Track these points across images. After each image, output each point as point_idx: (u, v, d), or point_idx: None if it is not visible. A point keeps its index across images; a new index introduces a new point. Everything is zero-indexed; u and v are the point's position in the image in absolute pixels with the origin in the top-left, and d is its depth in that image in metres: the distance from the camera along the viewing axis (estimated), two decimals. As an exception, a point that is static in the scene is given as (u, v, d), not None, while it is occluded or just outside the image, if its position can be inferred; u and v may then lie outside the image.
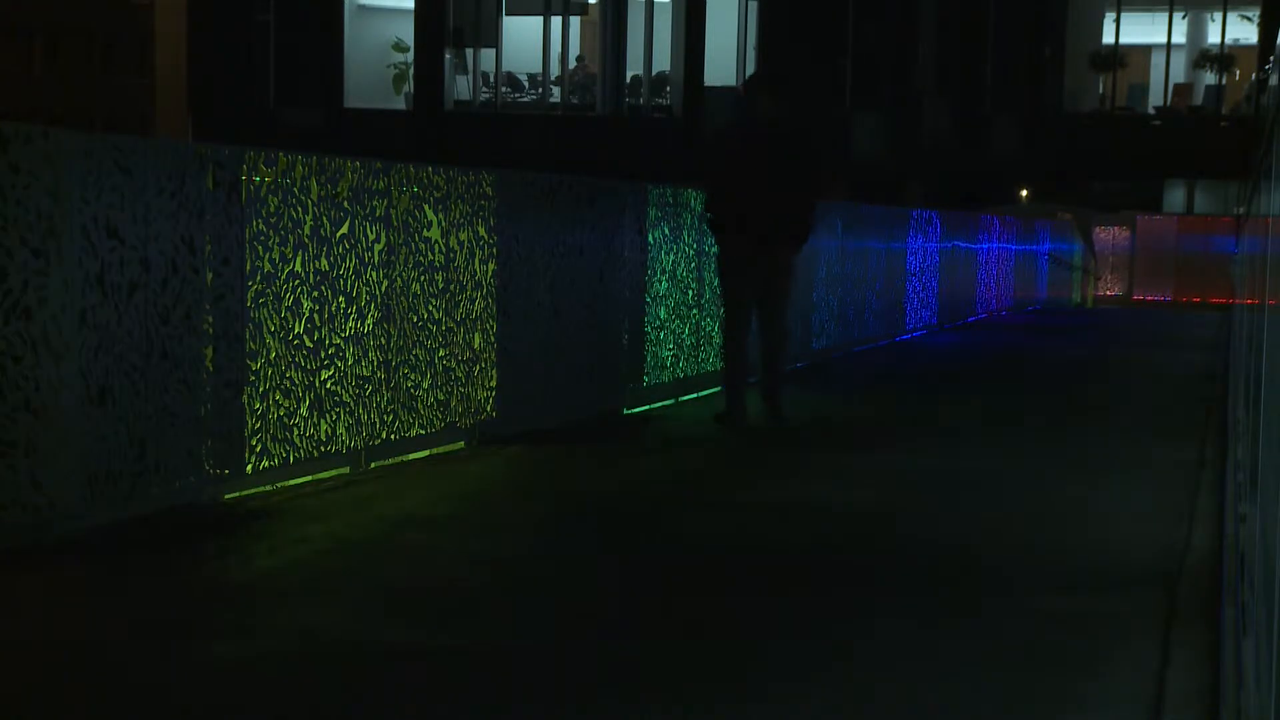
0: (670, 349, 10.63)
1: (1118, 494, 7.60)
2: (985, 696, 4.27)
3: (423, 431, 7.87)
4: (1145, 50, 36.40)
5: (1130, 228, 33.96)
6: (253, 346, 6.60)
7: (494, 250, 8.43)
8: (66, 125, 5.80)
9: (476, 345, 8.31)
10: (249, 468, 6.62)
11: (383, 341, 7.49)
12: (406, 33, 36.03)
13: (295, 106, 35.65)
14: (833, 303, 14.41)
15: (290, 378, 6.83)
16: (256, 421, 6.64)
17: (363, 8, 36.70)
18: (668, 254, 10.53)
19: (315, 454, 7.05)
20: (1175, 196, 37.26)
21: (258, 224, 6.59)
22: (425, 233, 7.80)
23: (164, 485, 6.11)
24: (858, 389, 12.44)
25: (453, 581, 5.43)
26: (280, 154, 6.79)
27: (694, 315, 11.02)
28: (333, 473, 7.21)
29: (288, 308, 6.80)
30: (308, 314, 6.94)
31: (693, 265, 10.94)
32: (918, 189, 32.02)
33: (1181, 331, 21.19)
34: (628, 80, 35.26)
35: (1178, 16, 35.62)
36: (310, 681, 4.25)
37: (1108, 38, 35.60)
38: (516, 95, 36.03)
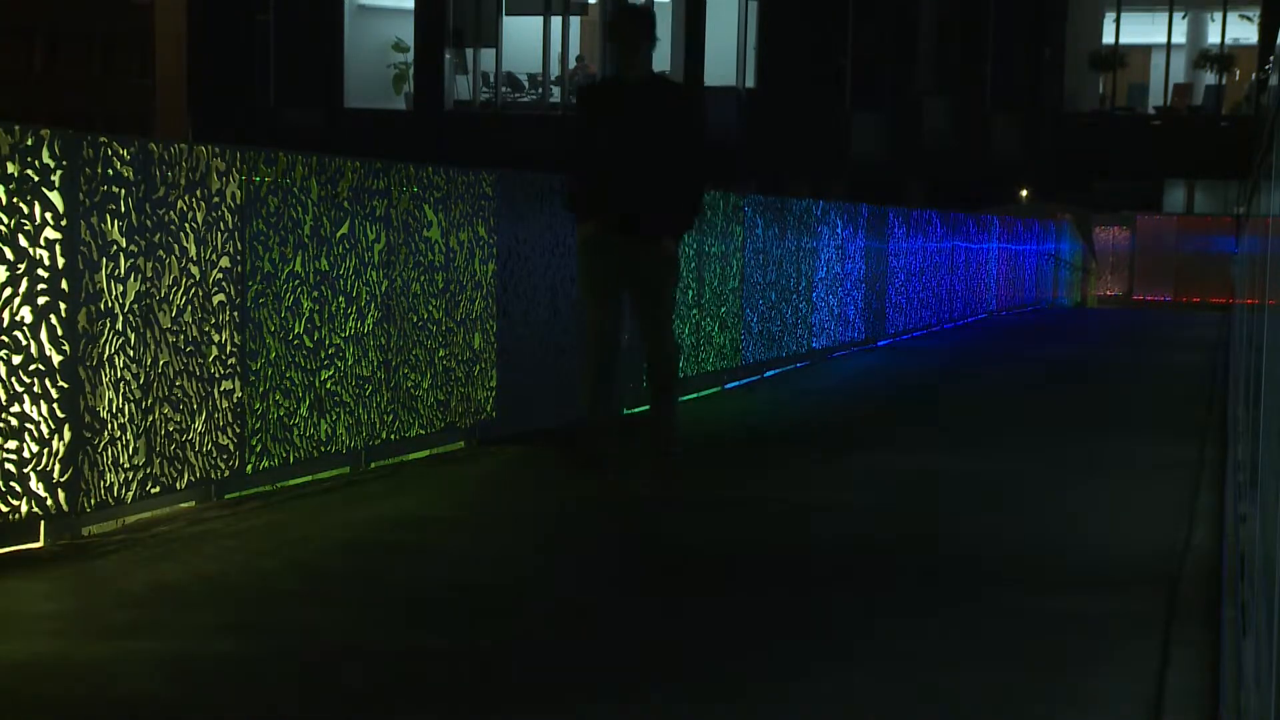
0: (670, 349, 10.61)
1: (1118, 494, 7.59)
2: (985, 696, 4.27)
3: (423, 431, 7.87)
4: (1145, 50, 36.40)
5: (1130, 228, 33.96)
6: (253, 346, 6.60)
7: (494, 250, 8.43)
8: (66, 125, 5.79)
9: (476, 345, 8.31)
10: (249, 468, 6.62)
11: (383, 341, 7.49)
12: (406, 33, 36.03)
13: (295, 106, 35.65)
14: (832, 302, 14.42)
15: (290, 378, 6.83)
16: (256, 422, 6.64)
17: (363, 8, 36.71)
18: (668, 254, 10.51)
19: (315, 454, 7.05)
20: (1175, 196, 37.26)
21: (258, 224, 6.59)
22: (425, 233, 7.80)
23: (164, 485, 6.10)
24: (847, 389, 12.44)
25: (452, 581, 5.43)
26: (280, 154, 6.79)
27: (694, 315, 11.02)
28: (333, 473, 7.20)
29: (288, 308, 6.80)
30: (308, 314, 6.94)
31: (692, 265, 10.93)
32: (918, 189, 32.02)
33: (1181, 331, 21.19)
34: (628, 80, 35.20)
35: (1178, 16, 35.62)
36: (310, 681, 4.25)
37: (1108, 38, 35.61)
38: (516, 95, 36.04)
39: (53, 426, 5.54)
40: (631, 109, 7.43)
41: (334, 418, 7.15)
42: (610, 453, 7.52)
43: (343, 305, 7.17)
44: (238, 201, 6.47)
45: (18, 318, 5.40)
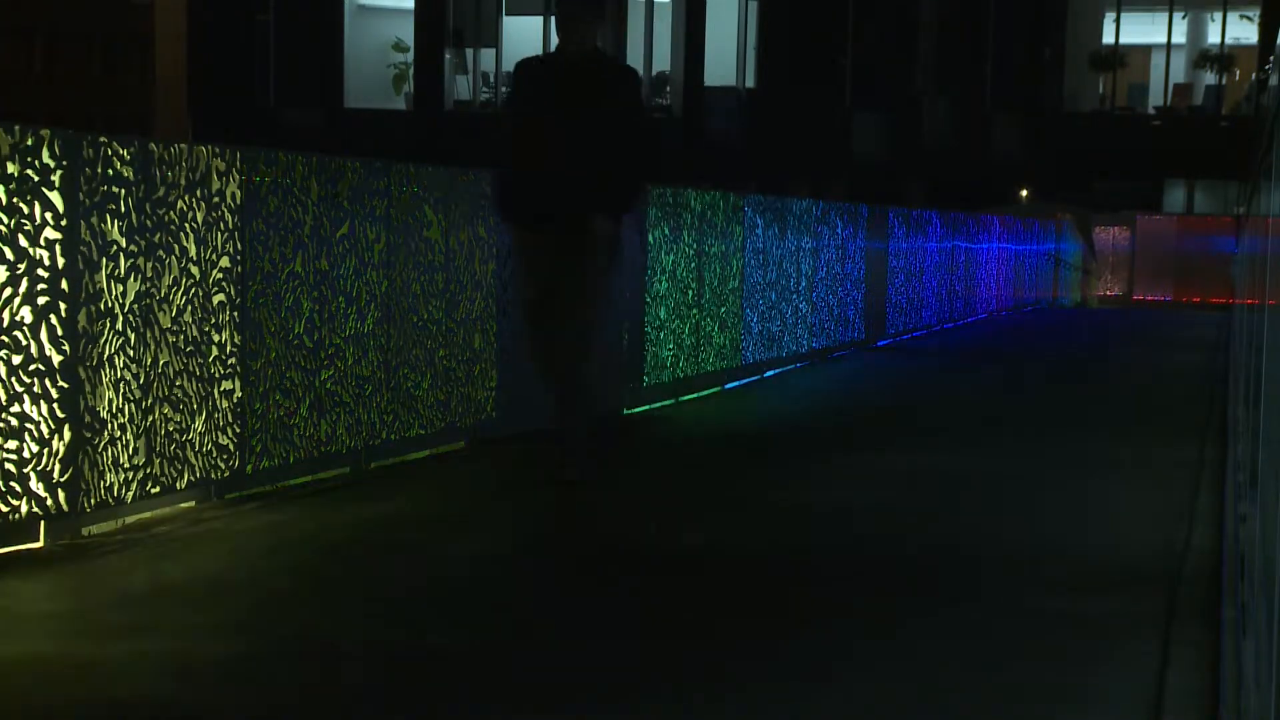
0: (670, 349, 10.63)
1: (1118, 494, 7.59)
2: (984, 696, 4.27)
3: (423, 431, 7.87)
4: (1145, 50, 36.41)
5: (1130, 228, 33.96)
6: (253, 346, 6.60)
7: (494, 250, 8.43)
8: (66, 125, 5.79)
9: (476, 345, 8.31)
10: (249, 468, 6.62)
11: (383, 341, 7.49)
12: (406, 33, 36.03)
13: (295, 106, 35.65)
14: (832, 302, 14.42)
15: (290, 378, 6.83)
16: (256, 422, 6.64)
17: (363, 8, 36.71)
18: (668, 254, 10.53)
19: (315, 454, 7.05)
20: (1175, 196, 37.26)
21: (257, 224, 6.60)
22: (425, 233, 7.80)
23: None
24: (847, 388, 12.44)
25: (452, 581, 5.43)
26: (280, 154, 6.79)
27: (694, 315, 11.02)
28: (333, 473, 7.20)
29: (288, 308, 6.80)
30: (308, 314, 6.94)
31: (693, 265, 10.93)
32: (918, 189, 32.02)
33: (1181, 331, 21.19)
34: (628, 80, 35.21)
35: (1178, 16, 35.63)
36: (309, 680, 4.24)
37: (1108, 38, 35.62)
38: (516, 95, 35.99)
39: (53, 426, 5.54)
40: (566, 84, 7.04)
41: (334, 418, 7.15)
42: (572, 476, 7.03)
43: (343, 305, 7.17)
44: (238, 201, 6.47)
45: (18, 318, 5.40)
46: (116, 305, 5.83)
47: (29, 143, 5.43)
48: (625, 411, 10.04)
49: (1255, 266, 5.82)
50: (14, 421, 5.39)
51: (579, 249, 6.95)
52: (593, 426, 7.19)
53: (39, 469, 5.49)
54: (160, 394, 6.07)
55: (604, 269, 7.03)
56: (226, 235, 6.42)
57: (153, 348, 6.02)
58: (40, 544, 5.55)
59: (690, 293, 10.92)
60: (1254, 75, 33.54)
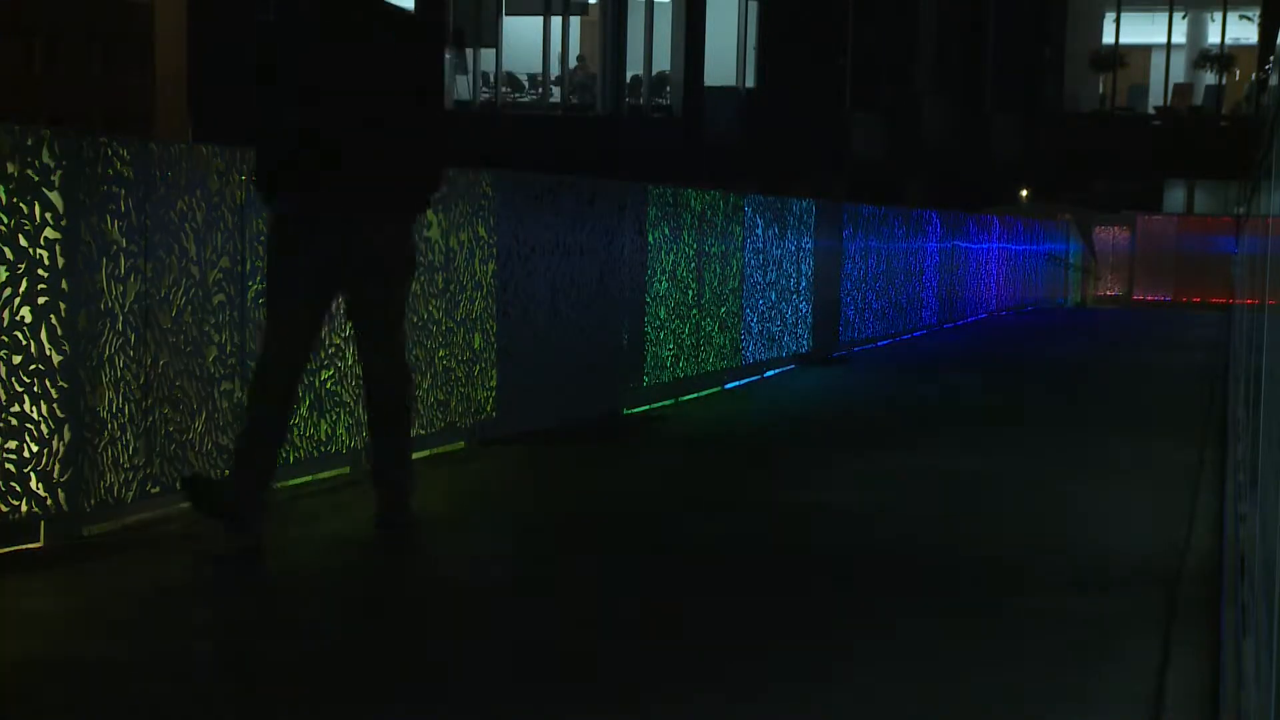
0: (670, 349, 10.63)
1: (1118, 494, 7.59)
2: (984, 695, 4.27)
3: (422, 432, 7.86)
4: (1145, 50, 36.43)
5: (1130, 228, 33.96)
6: (253, 346, 6.59)
7: (494, 250, 8.43)
8: (66, 125, 5.79)
9: (476, 345, 8.31)
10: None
11: (383, 341, 7.48)
12: (406, 33, 35.94)
13: (295, 106, 35.57)
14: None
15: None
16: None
17: (363, 8, 36.62)
18: (668, 254, 10.53)
19: (315, 454, 7.05)
20: (1175, 196, 37.27)
21: (258, 224, 6.59)
22: (425, 233, 7.80)
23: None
24: (847, 388, 12.44)
25: (452, 581, 5.43)
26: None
27: (694, 315, 11.02)
28: (333, 472, 7.20)
29: (288, 308, 6.80)
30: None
31: (692, 265, 10.94)
32: (918, 189, 32.03)
33: (1181, 331, 21.19)
34: (628, 80, 35.26)
35: (1178, 16, 35.64)
36: (310, 680, 4.24)
37: (1108, 38, 35.64)
38: (516, 95, 36.03)
39: (53, 426, 5.54)
40: (342, 36, 5.66)
41: (334, 418, 7.14)
42: (251, 507, 5.60)
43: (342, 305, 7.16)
44: (238, 201, 6.47)
45: (18, 318, 5.40)
46: (116, 305, 5.83)
47: (29, 143, 5.43)
48: (625, 411, 10.04)
49: (1255, 266, 5.82)
50: (14, 421, 5.39)
51: (364, 250, 5.67)
52: (409, 460, 6.10)
53: (39, 469, 5.49)
54: (160, 394, 6.07)
55: (396, 277, 5.83)
56: (226, 235, 6.41)
57: (153, 348, 6.02)
58: (40, 544, 5.55)
59: (690, 293, 10.93)
60: (1254, 75, 33.54)
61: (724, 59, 34.66)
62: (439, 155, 5.92)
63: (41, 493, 5.51)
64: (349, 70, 5.61)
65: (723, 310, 11.54)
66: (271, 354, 5.66)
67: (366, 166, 5.61)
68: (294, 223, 5.63)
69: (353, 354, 7.24)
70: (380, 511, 5.94)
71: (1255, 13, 34.24)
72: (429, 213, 7.80)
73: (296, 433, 6.88)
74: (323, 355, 7.03)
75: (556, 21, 35.15)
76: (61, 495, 5.59)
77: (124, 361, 5.87)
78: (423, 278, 7.78)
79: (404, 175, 5.73)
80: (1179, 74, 35.85)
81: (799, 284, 13.32)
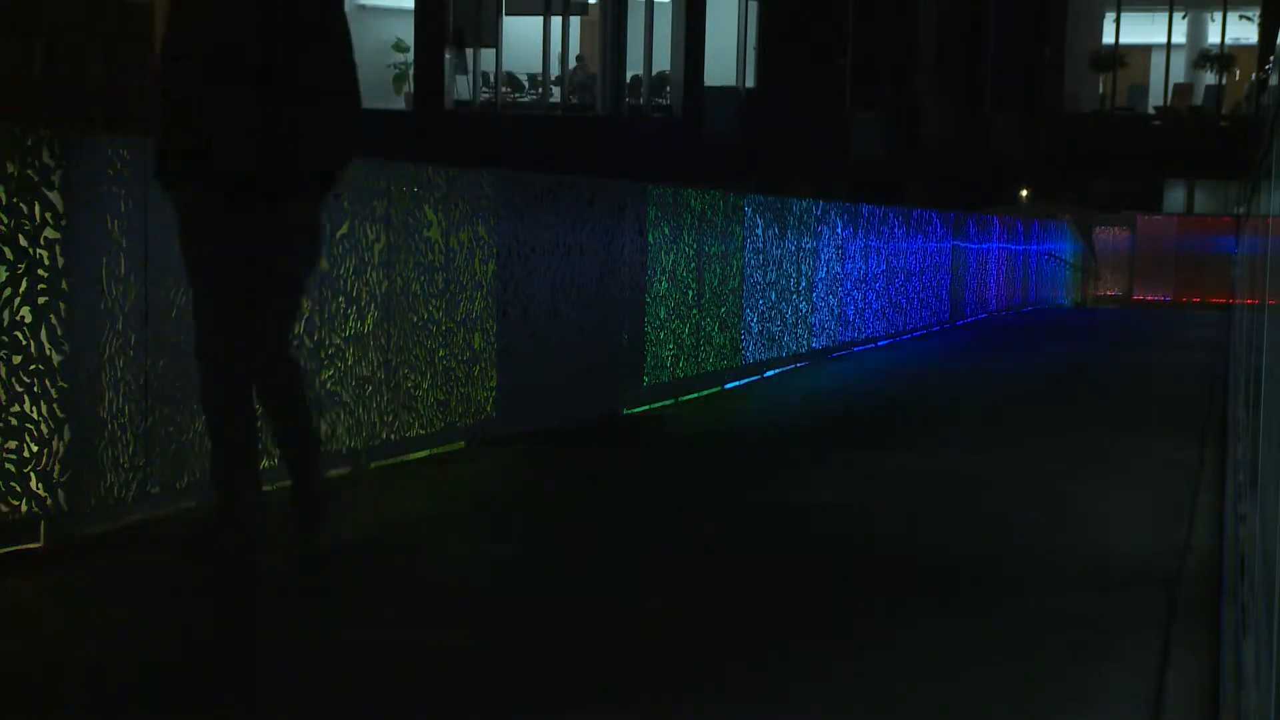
0: (670, 349, 10.63)
1: (1118, 494, 7.59)
2: (984, 695, 4.27)
3: (423, 432, 7.87)
4: (1145, 50, 36.42)
5: (1130, 228, 33.96)
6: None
7: (494, 250, 8.43)
8: (67, 125, 5.78)
9: (476, 345, 8.31)
10: (249, 468, 6.60)
11: (383, 342, 7.49)
12: (406, 33, 36.01)
13: (295, 106, 35.57)
14: (832, 302, 14.42)
15: (290, 378, 6.82)
16: (256, 422, 6.62)
17: (363, 8, 36.67)
18: (668, 254, 10.53)
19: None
20: (1175, 196, 37.27)
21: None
22: (425, 233, 7.80)
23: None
24: (847, 388, 12.45)
25: (452, 581, 5.43)
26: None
27: (694, 315, 11.02)
28: (332, 473, 7.20)
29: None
30: (307, 314, 6.93)
31: (693, 265, 10.94)
32: (918, 189, 32.03)
33: (1181, 331, 21.19)
34: (628, 80, 35.27)
35: (1178, 16, 35.63)
36: (310, 680, 4.24)
37: (1108, 38, 35.63)
38: (516, 95, 36.03)
39: (53, 426, 5.54)
40: (232, 3, 5.13)
41: (334, 418, 7.14)
42: (239, 549, 5.31)
43: (343, 305, 7.17)
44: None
45: (18, 318, 5.40)
46: (116, 305, 5.82)
47: (29, 143, 5.43)
48: (625, 411, 10.04)
49: (1255, 266, 5.82)
50: (14, 421, 5.39)
51: (260, 233, 5.18)
52: (310, 451, 5.63)
53: (39, 469, 5.49)
54: (160, 394, 6.07)
55: (286, 261, 5.27)
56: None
57: (153, 348, 6.01)
58: (40, 544, 5.55)
59: (690, 293, 10.93)
60: (1254, 75, 33.54)
61: (724, 59, 34.65)
62: (343, 125, 5.26)
63: (41, 493, 5.51)
64: (225, 30, 5.07)
65: (723, 310, 11.54)
66: (201, 353, 5.37)
67: (247, 143, 5.07)
68: (185, 209, 5.29)
69: (353, 354, 7.23)
70: (293, 517, 5.53)
71: (1255, 13, 34.23)
72: (430, 212, 7.79)
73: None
74: (322, 356, 7.03)
75: (556, 21, 35.15)
76: (61, 495, 5.59)
77: (124, 361, 5.87)
78: (423, 278, 7.78)
79: (294, 155, 5.12)
80: (1179, 74, 35.85)
81: (798, 284, 13.32)
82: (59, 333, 5.55)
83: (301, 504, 5.61)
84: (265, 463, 6.08)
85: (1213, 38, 35.84)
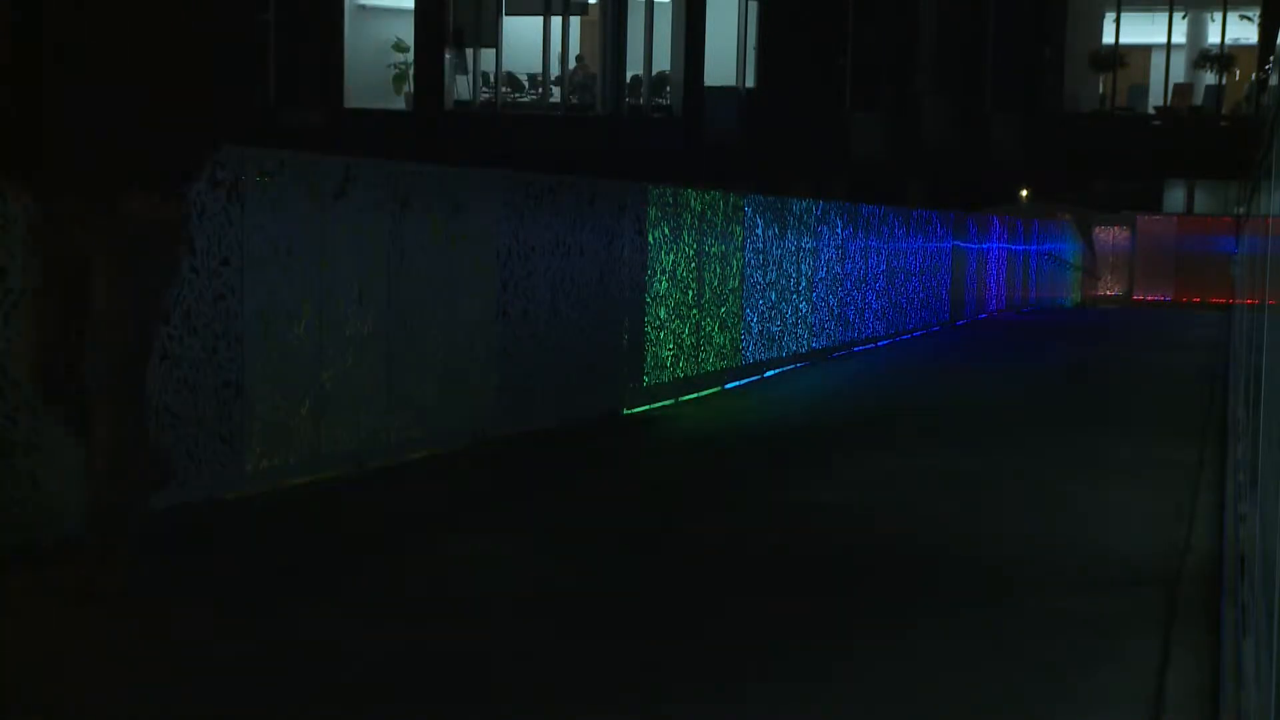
0: (670, 349, 10.63)
1: (1118, 494, 7.59)
2: (984, 695, 4.27)
3: (422, 431, 7.86)
4: (1145, 50, 36.40)
5: (1130, 228, 33.95)
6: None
7: (495, 250, 8.42)
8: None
9: (476, 345, 8.30)
10: (249, 468, 6.61)
11: (383, 342, 7.48)
12: (406, 33, 36.01)
13: (295, 106, 35.64)
14: (832, 302, 14.42)
15: (291, 378, 6.83)
16: (257, 422, 6.63)
17: (363, 8, 36.69)
18: (668, 254, 10.53)
19: (315, 454, 7.04)
20: (1175, 196, 37.25)
21: (258, 224, 6.59)
22: (426, 233, 7.79)
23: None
24: (847, 388, 12.45)
25: (452, 581, 5.43)
26: (280, 154, 6.79)
27: (694, 315, 11.02)
28: (333, 473, 7.20)
29: (288, 308, 6.80)
30: (308, 315, 6.93)
31: (693, 265, 10.94)
32: (918, 189, 32.02)
33: (1181, 331, 21.19)
34: (628, 80, 35.27)
35: (1178, 16, 35.62)
36: (310, 680, 4.24)
37: (1108, 38, 35.62)
38: (516, 95, 36.03)
39: (53, 426, 5.53)
40: None
41: (334, 418, 7.14)
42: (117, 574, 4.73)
43: (343, 305, 7.17)
44: (237, 202, 6.46)
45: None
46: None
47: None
48: (625, 411, 10.04)
49: (1255, 266, 5.82)
50: (14, 421, 5.38)
51: (105, 229, 4.42)
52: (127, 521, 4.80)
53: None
54: (160, 393, 6.06)
55: (131, 259, 4.47)
56: (227, 235, 6.41)
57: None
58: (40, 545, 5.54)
59: (690, 293, 10.93)
60: (1254, 75, 33.54)
61: (724, 59, 34.65)
62: (202, 106, 4.48)
63: (42, 493, 5.50)
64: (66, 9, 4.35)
65: (723, 310, 11.54)
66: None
67: (95, 132, 4.36)
68: (22, 212, 4.64)
69: (353, 355, 7.23)
70: (88, 569, 4.75)
71: (1255, 13, 34.21)
72: (430, 213, 7.77)
73: (296, 435, 6.88)
74: (323, 356, 7.03)
75: (556, 21, 35.15)
76: (62, 495, 5.58)
77: (124, 361, 5.86)
78: (424, 278, 7.77)
79: (143, 136, 4.40)
80: (1179, 74, 35.83)
81: (798, 284, 13.32)
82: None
83: (101, 532, 4.77)
84: (258, 463, 6.06)
85: (1213, 38, 35.83)
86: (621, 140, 33.68)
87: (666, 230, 10.51)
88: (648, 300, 10.27)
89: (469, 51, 36.03)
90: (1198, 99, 35.23)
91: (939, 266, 18.96)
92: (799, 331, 13.40)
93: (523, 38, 35.41)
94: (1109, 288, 34.09)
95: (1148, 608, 5.27)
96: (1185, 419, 10.67)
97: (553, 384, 9.07)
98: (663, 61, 35.01)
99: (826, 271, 14.14)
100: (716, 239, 11.35)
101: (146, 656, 4.39)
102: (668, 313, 10.57)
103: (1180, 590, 5.52)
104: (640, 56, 35.06)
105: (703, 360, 11.22)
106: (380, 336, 7.44)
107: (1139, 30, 35.58)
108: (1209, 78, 35.40)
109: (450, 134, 34.13)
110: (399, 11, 36.27)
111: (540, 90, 35.84)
